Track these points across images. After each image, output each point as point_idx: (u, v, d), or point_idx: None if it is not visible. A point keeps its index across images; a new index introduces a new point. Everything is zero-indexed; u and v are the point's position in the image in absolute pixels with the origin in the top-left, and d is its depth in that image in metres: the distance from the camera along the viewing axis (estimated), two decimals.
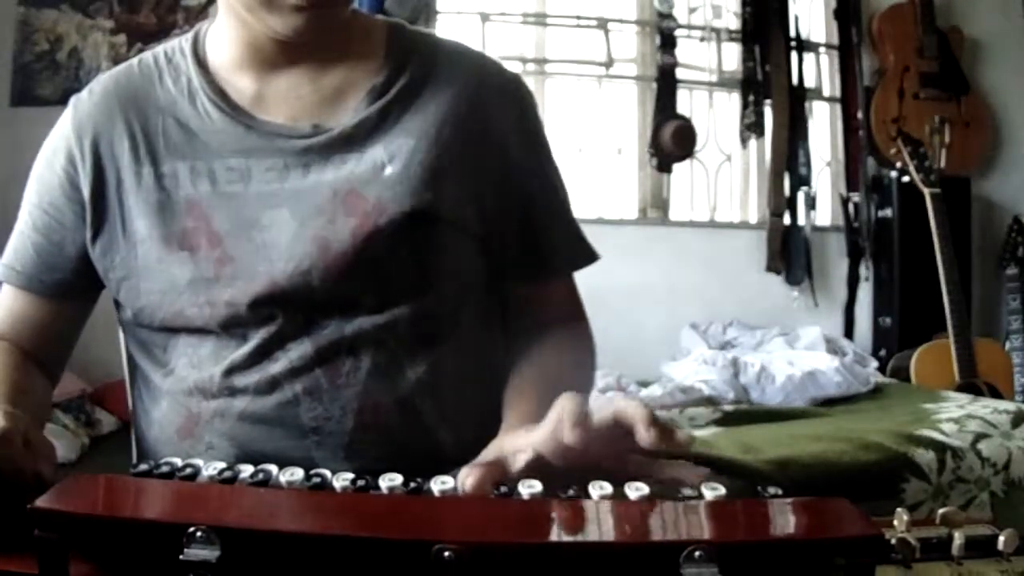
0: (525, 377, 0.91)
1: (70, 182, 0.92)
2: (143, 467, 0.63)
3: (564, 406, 0.68)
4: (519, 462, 0.70)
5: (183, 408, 0.89)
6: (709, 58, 3.33)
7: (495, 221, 0.93)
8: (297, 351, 0.86)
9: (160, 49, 0.96)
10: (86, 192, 0.91)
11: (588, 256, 1.00)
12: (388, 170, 0.87)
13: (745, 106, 3.28)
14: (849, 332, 3.29)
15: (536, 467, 0.69)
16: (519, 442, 0.72)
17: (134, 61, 0.96)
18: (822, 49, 3.43)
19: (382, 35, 0.95)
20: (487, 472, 0.66)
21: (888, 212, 3.21)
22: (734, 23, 3.31)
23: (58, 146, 0.93)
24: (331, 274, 0.85)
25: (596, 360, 1.01)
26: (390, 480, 0.62)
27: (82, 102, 0.94)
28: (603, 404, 0.70)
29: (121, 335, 1.01)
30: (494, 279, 0.96)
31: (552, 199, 0.98)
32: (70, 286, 0.94)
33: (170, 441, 0.90)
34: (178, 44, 0.95)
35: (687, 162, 3.24)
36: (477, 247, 0.93)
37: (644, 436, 0.63)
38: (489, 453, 0.75)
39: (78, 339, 0.99)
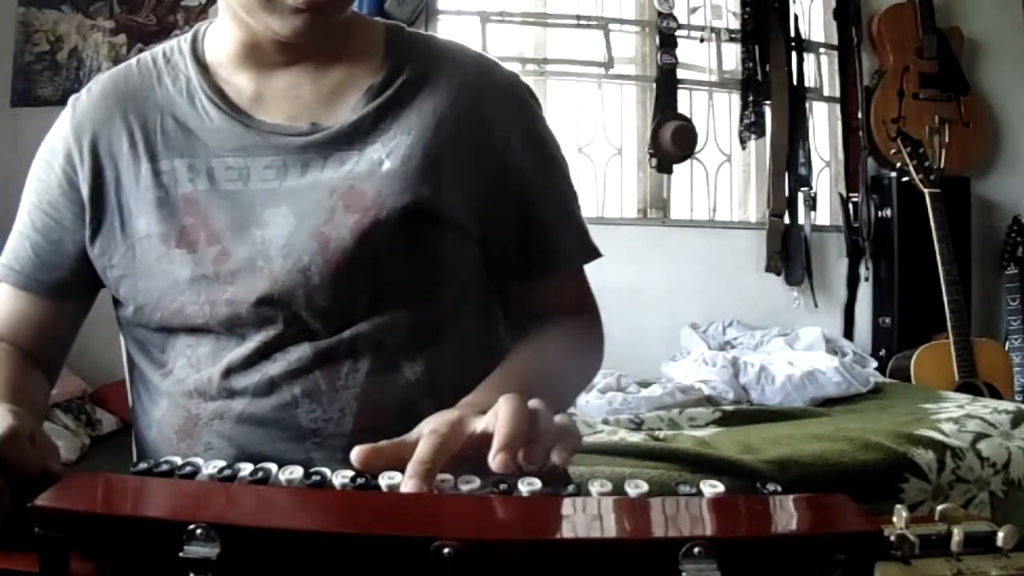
0: (510, 359, 0.91)
1: (69, 182, 0.92)
2: (143, 466, 0.63)
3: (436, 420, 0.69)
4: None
5: (182, 409, 0.89)
6: (709, 58, 3.33)
7: (493, 219, 0.93)
8: (296, 353, 0.86)
9: (159, 49, 0.96)
10: (85, 191, 0.91)
11: (589, 253, 0.98)
12: (386, 165, 0.87)
13: (745, 106, 3.28)
14: (849, 332, 3.29)
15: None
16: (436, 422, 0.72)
17: (133, 61, 0.96)
18: (822, 49, 3.43)
19: (381, 36, 0.95)
20: (380, 454, 0.67)
21: (888, 212, 3.21)
22: (734, 23, 3.32)
23: (56, 146, 0.93)
24: (330, 271, 0.85)
25: (598, 352, 1.01)
26: (389, 478, 0.62)
27: (80, 102, 0.94)
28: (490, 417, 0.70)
29: (121, 335, 1.01)
30: (494, 277, 0.96)
31: (552, 197, 0.97)
32: (68, 286, 0.94)
33: (169, 442, 0.90)
34: (176, 44, 0.95)
35: (687, 162, 3.25)
36: (476, 245, 0.93)
37: (492, 462, 0.64)
38: (411, 435, 0.74)
39: (75, 339, 0.99)
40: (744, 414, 2.43)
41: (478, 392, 0.82)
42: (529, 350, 0.93)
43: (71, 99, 0.95)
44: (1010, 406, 2.18)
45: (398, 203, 0.86)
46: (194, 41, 0.94)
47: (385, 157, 0.88)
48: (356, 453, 0.66)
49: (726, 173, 3.37)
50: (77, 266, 0.92)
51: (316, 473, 0.63)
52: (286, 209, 0.87)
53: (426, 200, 0.87)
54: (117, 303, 0.94)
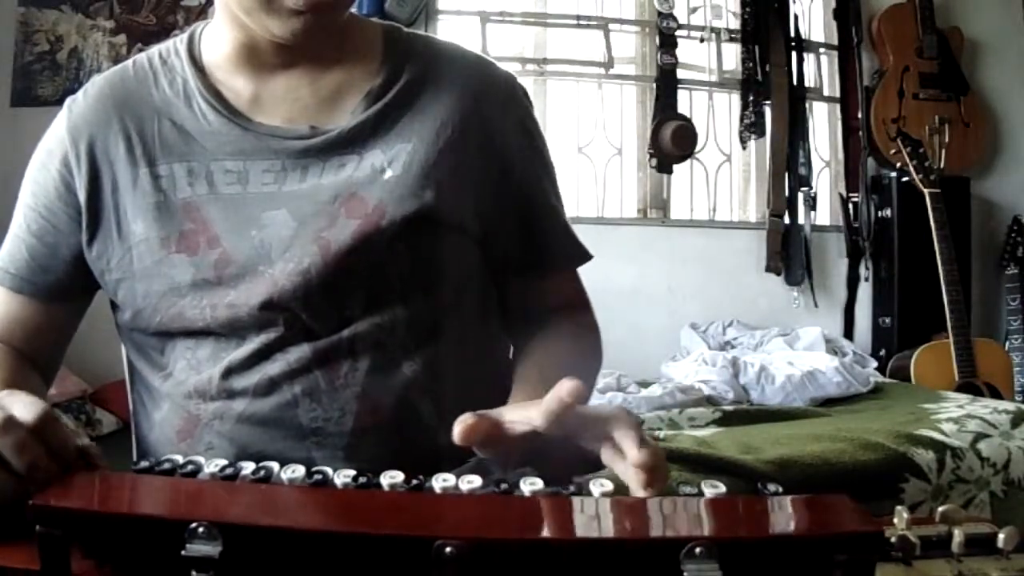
0: (533, 360, 0.92)
1: (65, 185, 0.91)
2: (144, 464, 0.63)
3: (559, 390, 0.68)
4: (516, 430, 0.69)
5: (182, 410, 0.89)
6: (709, 58, 3.33)
7: (494, 221, 0.93)
8: (295, 353, 0.86)
9: (155, 50, 0.96)
10: (82, 195, 0.90)
11: (583, 255, 1.01)
12: (388, 173, 0.87)
13: (745, 106, 3.28)
14: (849, 332, 3.30)
15: (530, 442, 0.69)
16: (519, 415, 0.71)
17: (128, 63, 0.96)
18: (822, 49, 3.44)
19: (378, 38, 0.95)
20: (481, 424, 0.67)
21: (888, 212, 3.22)
22: (734, 23, 3.32)
23: (53, 149, 0.93)
24: (330, 273, 0.85)
25: (601, 347, 1.02)
26: (391, 477, 0.62)
27: (76, 104, 0.93)
28: (602, 408, 0.70)
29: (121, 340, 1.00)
30: (494, 275, 0.97)
31: (549, 199, 0.98)
32: (64, 288, 0.93)
33: (170, 443, 0.90)
34: (172, 45, 0.95)
35: (687, 162, 3.25)
36: (475, 246, 0.94)
37: (635, 457, 0.64)
38: (492, 413, 0.73)
39: (71, 340, 0.98)
40: (744, 414, 2.43)
41: (516, 396, 0.84)
42: (555, 348, 0.94)
43: (67, 101, 0.94)
44: (1010, 406, 2.18)
45: (400, 210, 0.86)
46: (190, 43, 0.94)
47: (387, 164, 0.88)
48: (460, 430, 0.66)
49: (726, 173, 3.37)
50: (73, 269, 0.92)
51: (318, 472, 0.63)
52: (285, 212, 0.86)
53: (428, 205, 0.87)
54: (115, 308, 0.94)
